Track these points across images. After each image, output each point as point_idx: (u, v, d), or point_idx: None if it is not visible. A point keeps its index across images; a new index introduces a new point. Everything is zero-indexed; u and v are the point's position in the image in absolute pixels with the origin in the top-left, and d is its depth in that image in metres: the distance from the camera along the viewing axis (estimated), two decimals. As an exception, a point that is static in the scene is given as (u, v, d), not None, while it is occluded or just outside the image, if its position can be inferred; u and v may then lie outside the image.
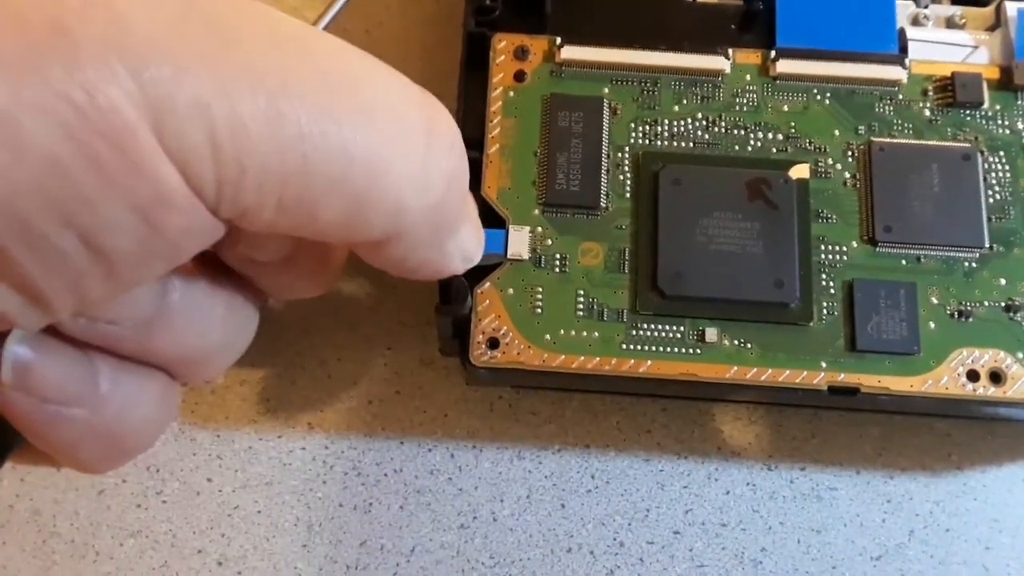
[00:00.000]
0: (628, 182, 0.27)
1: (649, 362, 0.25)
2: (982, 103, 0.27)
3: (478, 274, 0.25)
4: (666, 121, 0.27)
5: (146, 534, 0.28)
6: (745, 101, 0.27)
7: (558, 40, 0.27)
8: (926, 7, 0.29)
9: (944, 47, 0.28)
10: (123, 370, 0.19)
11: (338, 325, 0.31)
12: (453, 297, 0.24)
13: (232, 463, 0.29)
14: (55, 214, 0.14)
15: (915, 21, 0.29)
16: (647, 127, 0.27)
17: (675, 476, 0.29)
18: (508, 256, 0.26)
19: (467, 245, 0.21)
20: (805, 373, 0.25)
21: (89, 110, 0.14)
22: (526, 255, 0.26)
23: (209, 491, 0.28)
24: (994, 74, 0.28)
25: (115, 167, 0.14)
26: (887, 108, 0.27)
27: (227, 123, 0.15)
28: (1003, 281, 0.26)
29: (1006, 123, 0.27)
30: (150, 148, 0.15)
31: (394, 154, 0.17)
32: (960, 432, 0.30)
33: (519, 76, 0.27)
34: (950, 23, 0.29)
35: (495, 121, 0.27)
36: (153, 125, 0.14)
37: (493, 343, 0.25)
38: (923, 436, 0.30)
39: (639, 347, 0.25)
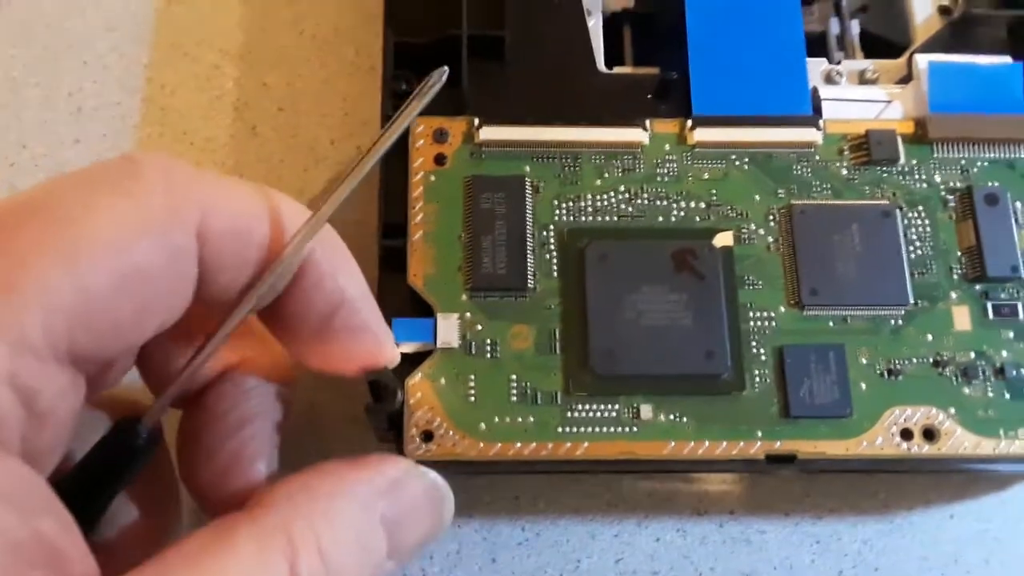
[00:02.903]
0: (555, 261, 0.26)
1: (586, 444, 0.25)
2: (898, 159, 0.28)
3: (409, 365, 0.25)
4: (589, 196, 0.27)
5: None
6: (666, 171, 0.28)
7: (476, 121, 0.27)
8: (839, 63, 0.30)
9: (858, 104, 0.29)
10: None
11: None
12: (383, 395, 0.24)
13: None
14: None
15: (828, 78, 0.29)
16: (570, 203, 0.27)
17: (605, 525, 0.29)
18: (438, 345, 0.25)
19: None
20: (742, 444, 0.25)
21: None
22: (456, 343, 0.25)
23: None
24: (909, 128, 0.28)
25: None
26: (805, 170, 0.28)
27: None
28: (930, 337, 0.26)
29: (923, 177, 0.28)
30: None
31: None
32: (887, 472, 0.31)
33: (439, 159, 0.27)
34: (863, 78, 0.30)
35: (417, 207, 0.27)
36: None
37: (427, 436, 0.25)
38: (850, 476, 0.30)
39: (575, 429, 0.25)
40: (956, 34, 0.30)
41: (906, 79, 0.29)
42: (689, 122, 0.28)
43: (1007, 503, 0.30)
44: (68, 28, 0.35)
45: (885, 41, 0.31)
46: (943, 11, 0.31)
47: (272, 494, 0.20)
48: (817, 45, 0.31)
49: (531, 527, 0.29)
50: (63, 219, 0.17)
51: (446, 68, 0.21)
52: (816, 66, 0.29)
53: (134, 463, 0.21)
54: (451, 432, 0.25)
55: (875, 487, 0.30)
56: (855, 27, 0.31)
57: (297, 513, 0.19)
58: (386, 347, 0.22)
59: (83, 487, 0.20)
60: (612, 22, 0.31)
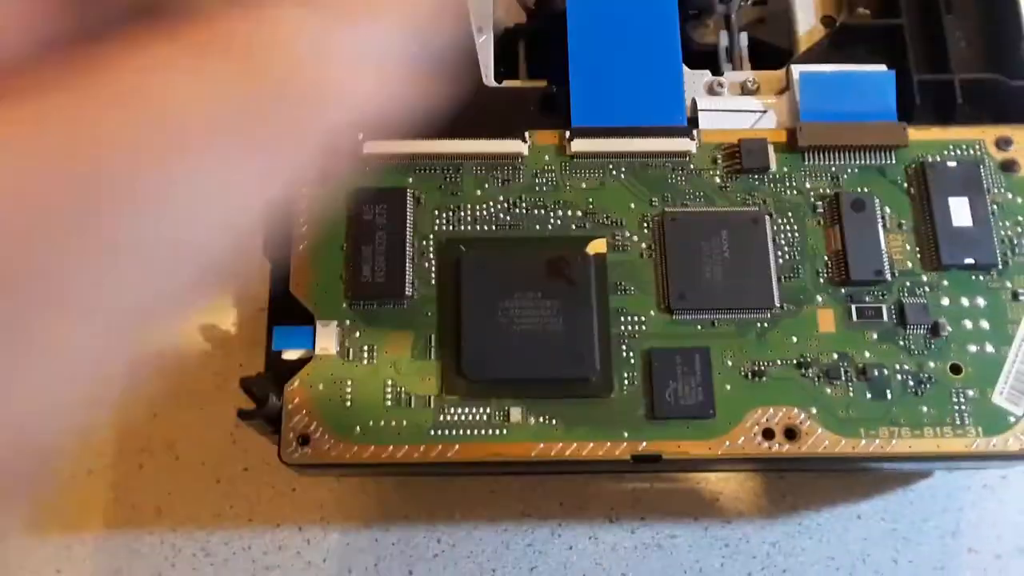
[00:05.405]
0: (433, 269, 0.27)
1: (456, 446, 0.26)
2: (768, 167, 0.28)
3: (288, 371, 0.26)
4: (469, 206, 0.28)
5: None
6: (545, 181, 0.28)
7: (360, 135, 0.28)
8: (722, 74, 0.31)
9: (735, 115, 0.29)
10: None
11: (185, 405, 0.31)
12: (256, 399, 0.25)
13: (81, 552, 0.29)
14: None
15: (711, 90, 0.30)
16: (451, 213, 0.28)
17: (519, 534, 0.30)
18: (316, 352, 0.26)
19: None
20: (608, 444, 0.26)
21: None
22: (334, 349, 0.26)
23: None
24: (781, 137, 0.29)
25: None
26: (679, 178, 0.28)
27: None
28: (794, 339, 0.27)
29: (793, 184, 0.28)
30: None
31: None
32: (795, 474, 0.31)
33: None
34: (744, 89, 0.30)
35: (302, 219, 0.28)
36: None
37: (304, 440, 0.26)
38: (759, 479, 0.31)
39: (446, 432, 0.26)
40: (836, 44, 0.31)
41: (784, 90, 0.30)
42: (568, 133, 0.29)
43: (914, 503, 0.31)
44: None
45: (778, 52, 0.32)
46: (826, 22, 0.32)
47: None
48: (712, 58, 0.32)
49: (447, 538, 0.30)
50: None
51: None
52: (700, 78, 0.30)
53: None
54: (326, 436, 0.26)
55: (783, 490, 0.31)
56: (743, 40, 0.32)
57: None
58: None
59: None
60: (507, 37, 0.32)
